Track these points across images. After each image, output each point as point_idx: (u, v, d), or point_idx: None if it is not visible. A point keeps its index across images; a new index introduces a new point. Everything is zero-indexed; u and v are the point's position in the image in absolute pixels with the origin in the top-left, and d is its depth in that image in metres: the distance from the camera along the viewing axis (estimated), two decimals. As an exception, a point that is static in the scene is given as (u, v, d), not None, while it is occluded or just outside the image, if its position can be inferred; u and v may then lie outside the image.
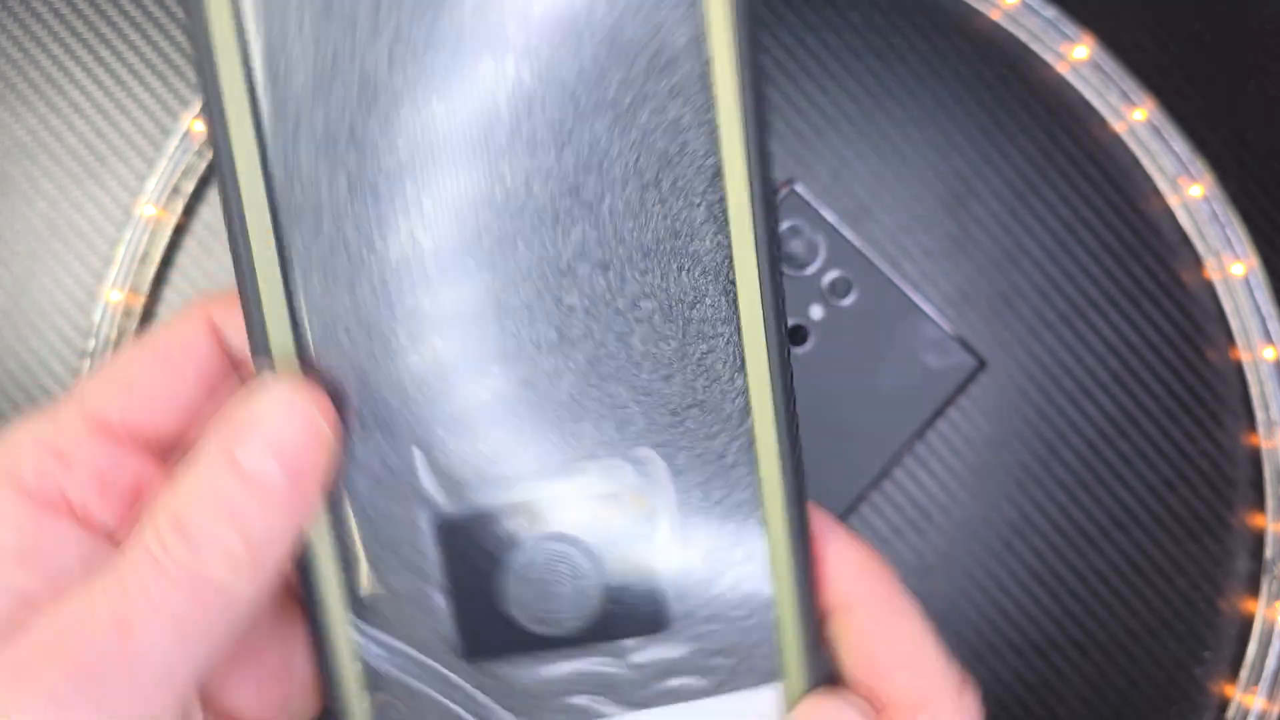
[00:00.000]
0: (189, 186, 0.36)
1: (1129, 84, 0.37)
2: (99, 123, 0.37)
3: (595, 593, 0.21)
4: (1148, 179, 0.37)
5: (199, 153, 0.36)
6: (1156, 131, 0.37)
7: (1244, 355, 0.37)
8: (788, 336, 0.21)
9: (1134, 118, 0.37)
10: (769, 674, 0.22)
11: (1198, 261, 0.37)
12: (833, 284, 0.36)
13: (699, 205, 0.20)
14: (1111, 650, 0.37)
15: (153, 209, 0.36)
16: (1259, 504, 0.37)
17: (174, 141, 0.36)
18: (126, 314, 0.36)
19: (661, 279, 0.20)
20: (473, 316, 0.20)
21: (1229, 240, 0.37)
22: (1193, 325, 0.38)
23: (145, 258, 0.36)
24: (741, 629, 0.22)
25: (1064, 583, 0.37)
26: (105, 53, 0.37)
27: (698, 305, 0.21)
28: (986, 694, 0.37)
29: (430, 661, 0.21)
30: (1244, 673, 0.36)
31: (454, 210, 0.20)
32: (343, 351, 0.20)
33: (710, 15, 0.19)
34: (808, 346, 0.36)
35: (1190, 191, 0.37)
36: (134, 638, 0.18)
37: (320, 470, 0.19)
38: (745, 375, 0.21)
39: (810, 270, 0.36)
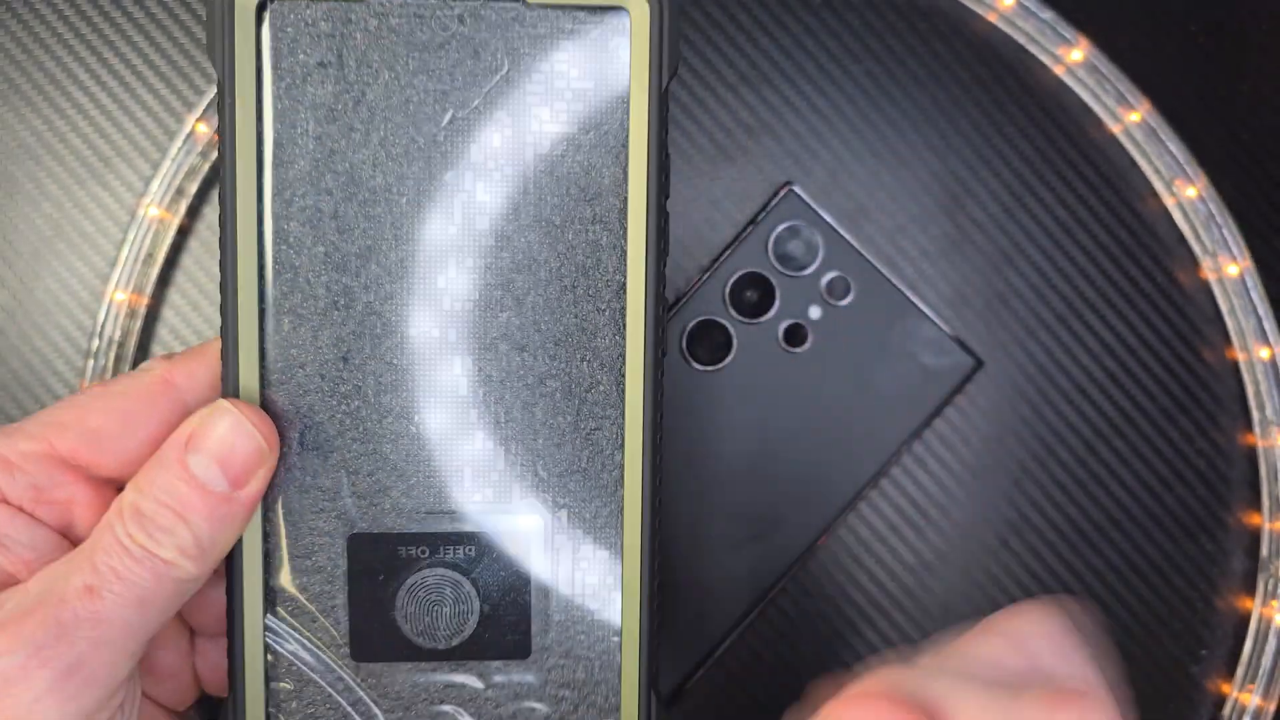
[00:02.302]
0: (192, 188, 0.36)
1: (1125, 85, 0.37)
2: (103, 124, 0.37)
3: (471, 616, 0.25)
4: (1144, 180, 0.38)
5: (202, 154, 0.36)
6: (1152, 133, 0.37)
7: (1240, 355, 0.37)
8: (662, 422, 0.25)
9: (1130, 119, 0.37)
10: (607, 711, 0.26)
11: (1194, 262, 0.38)
12: (831, 284, 0.36)
13: (604, 311, 0.25)
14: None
15: (156, 210, 0.36)
16: (1255, 503, 0.37)
17: (178, 143, 0.36)
18: (130, 314, 0.36)
19: (566, 364, 0.25)
20: (408, 372, 0.25)
21: (1225, 241, 0.37)
22: (1189, 325, 0.38)
23: (149, 258, 0.36)
24: (589, 668, 0.26)
25: (1061, 581, 0.37)
26: (109, 54, 0.37)
27: (592, 389, 0.25)
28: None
29: (325, 657, 0.25)
30: (1240, 671, 0.37)
31: (407, 287, 0.25)
32: (294, 388, 0.24)
33: (631, 163, 0.23)
34: (806, 346, 0.36)
35: (1186, 192, 0.37)
36: (101, 601, 0.22)
37: (259, 482, 0.24)
38: (623, 452, 0.25)
39: (808, 271, 0.36)
